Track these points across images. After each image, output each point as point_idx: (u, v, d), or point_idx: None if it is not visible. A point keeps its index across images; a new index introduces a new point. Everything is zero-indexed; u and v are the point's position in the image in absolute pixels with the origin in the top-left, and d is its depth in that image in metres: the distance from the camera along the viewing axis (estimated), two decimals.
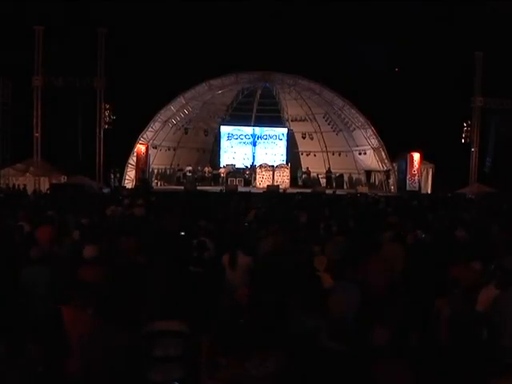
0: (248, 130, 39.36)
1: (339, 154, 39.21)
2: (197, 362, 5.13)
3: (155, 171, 37.48)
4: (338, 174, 38.16)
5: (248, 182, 35.93)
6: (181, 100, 35.16)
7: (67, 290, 6.62)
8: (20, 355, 4.83)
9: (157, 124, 35.14)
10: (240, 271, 8.18)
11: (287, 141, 39.46)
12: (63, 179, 31.97)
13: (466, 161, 34.64)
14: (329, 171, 38.49)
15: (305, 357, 4.96)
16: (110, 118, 32.85)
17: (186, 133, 37.39)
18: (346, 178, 38.53)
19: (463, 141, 34.64)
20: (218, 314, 5.86)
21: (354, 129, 36.73)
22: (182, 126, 36.81)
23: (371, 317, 6.02)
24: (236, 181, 35.51)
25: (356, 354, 5.12)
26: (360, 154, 38.14)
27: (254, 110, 40.50)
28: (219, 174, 37.35)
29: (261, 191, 30.87)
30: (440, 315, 6.37)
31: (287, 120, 40.65)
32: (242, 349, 4.70)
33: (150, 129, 34.76)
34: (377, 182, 37.47)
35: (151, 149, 35.54)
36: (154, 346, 5.15)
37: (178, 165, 37.96)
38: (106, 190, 29.45)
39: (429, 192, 34.94)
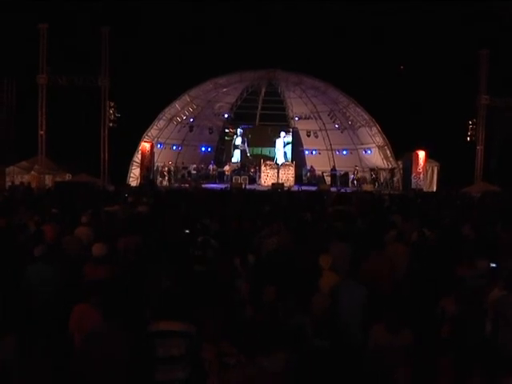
0: None
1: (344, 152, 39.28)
2: (201, 363, 5.12)
3: (160, 169, 37.44)
4: (342, 172, 38.11)
5: (253, 180, 35.94)
6: (185, 98, 35.16)
7: (79, 288, 6.65)
8: (26, 352, 4.84)
9: (161, 122, 35.15)
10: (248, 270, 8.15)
11: (292, 138, 39.42)
12: (68, 177, 32.03)
13: (471, 159, 34.56)
14: (333, 169, 38.48)
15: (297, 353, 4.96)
16: (114, 115, 32.90)
17: (191, 131, 37.38)
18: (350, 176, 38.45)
19: (468, 139, 34.55)
20: (227, 312, 5.84)
21: (359, 127, 36.66)
22: (187, 123, 36.81)
23: (373, 316, 6.03)
24: (241, 179, 35.54)
25: (341, 350, 5.12)
26: (365, 151, 38.12)
27: (259, 108, 40.50)
28: (224, 172, 37.38)
29: (265, 189, 30.91)
30: (445, 314, 6.36)
31: (292, 118, 40.62)
32: (254, 344, 4.69)
33: (154, 127, 34.77)
34: (382, 180, 37.37)
35: (156, 146, 35.55)
36: (156, 346, 5.14)
37: (183, 163, 37.95)
38: (110, 188, 29.46)
39: (434, 190, 34.87)
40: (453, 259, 8.28)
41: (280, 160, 37.85)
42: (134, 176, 34.50)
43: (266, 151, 39.43)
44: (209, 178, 36.96)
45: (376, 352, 5.46)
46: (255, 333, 4.77)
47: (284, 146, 38.77)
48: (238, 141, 38.69)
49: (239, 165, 38.13)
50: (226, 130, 39.40)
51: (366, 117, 35.43)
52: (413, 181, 34.45)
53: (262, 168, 35.74)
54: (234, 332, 4.98)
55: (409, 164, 35.03)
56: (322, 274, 7.48)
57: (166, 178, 36.12)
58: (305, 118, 39.33)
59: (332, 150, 40.08)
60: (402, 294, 7.16)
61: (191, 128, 37.23)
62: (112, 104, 32.82)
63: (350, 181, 37.29)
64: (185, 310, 5.47)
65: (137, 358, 4.98)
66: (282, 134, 38.76)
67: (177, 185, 34.90)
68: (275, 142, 38.91)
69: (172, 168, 36.82)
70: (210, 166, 38.09)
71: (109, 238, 9.45)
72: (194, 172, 37.37)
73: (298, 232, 10.71)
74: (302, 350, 5.09)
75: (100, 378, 4.89)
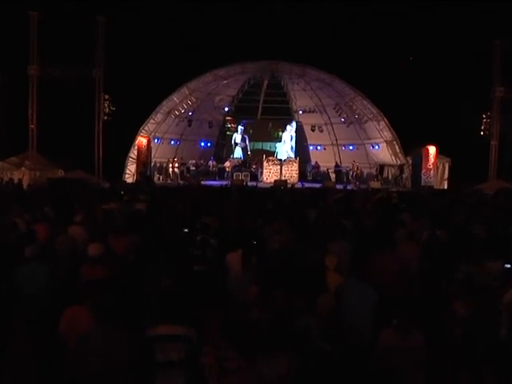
0: None
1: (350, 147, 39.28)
2: (200, 368, 5.14)
3: (157, 165, 37.46)
4: (348, 169, 38.08)
5: (255, 177, 35.95)
6: (184, 90, 35.16)
7: (74, 289, 6.68)
8: (17, 356, 4.87)
9: (159, 115, 35.17)
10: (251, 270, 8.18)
11: (296, 133, 39.37)
12: (60, 174, 32.03)
13: (485, 155, 34.47)
14: (337, 166, 38.46)
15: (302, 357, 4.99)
16: (109, 109, 32.92)
17: (190, 125, 37.36)
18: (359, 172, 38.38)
19: (482, 133, 34.46)
20: (228, 313, 5.88)
21: (366, 121, 36.63)
22: (186, 117, 36.79)
23: (382, 317, 6.05)
24: (242, 175, 35.56)
25: (345, 354, 5.16)
26: (372, 147, 38.09)
27: (261, 101, 40.50)
28: (224, 169, 37.39)
29: (268, 186, 30.90)
30: (456, 315, 6.38)
31: (295, 112, 40.59)
32: (254, 347, 4.72)
33: (151, 120, 34.79)
34: (390, 177, 37.34)
35: (153, 141, 35.56)
36: (155, 351, 5.16)
37: (182, 158, 37.95)
38: (105, 185, 29.47)
39: (445, 188, 34.83)
40: (463, 259, 8.29)
41: (284, 155, 37.84)
42: (130, 172, 34.53)
43: (266, 146, 39.50)
44: (208, 174, 37.00)
45: (385, 354, 5.49)
46: (256, 334, 4.80)
47: (291, 140, 38.80)
48: (238, 138, 38.71)
49: (240, 161, 38.13)
50: (228, 125, 39.41)
51: (373, 110, 35.40)
52: (423, 177, 34.38)
53: (265, 164, 35.71)
54: (235, 333, 5.01)
55: (419, 160, 34.97)
56: (327, 275, 7.51)
57: (171, 176, 36.12)
58: (309, 112, 39.28)
59: (338, 145, 40.07)
60: (412, 294, 7.18)
61: (190, 122, 37.20)
62: (107, 97, 32.85)
63: (351, 177, 37.12)
64: (185, 311, 5.50)
65: (136, 363, 5.00)
66: (289, 127, 38.80)
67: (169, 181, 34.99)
68: (281, 136, 38.88)
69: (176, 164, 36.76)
70: (210, 161, 38.10)
71: (105, 237, 9.50)
72: (193, 168, 37.36)
73: (301, 230, 10.75)
74: (306, 352, 5.11)
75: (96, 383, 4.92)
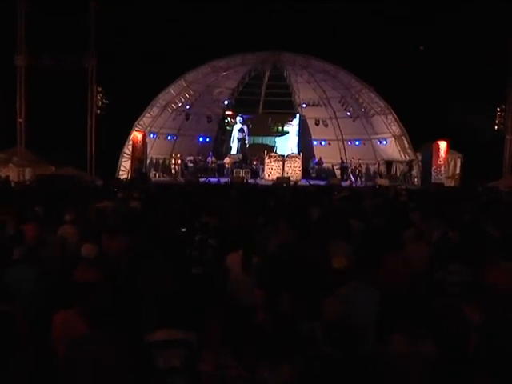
0: None
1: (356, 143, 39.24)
2: (199, 375, 5.13)
3: (153, 161, 37.45)
4: (349, 165, 37.99)
5: (256, 174, 35.94)
6: (181, 82, 35.11)
7: (65, 292, 6.66)
8: (18, 356, 4.87)
9: (155, 109, 35.12)
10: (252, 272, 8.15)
11: (299, 128, 39.38)
12: (51, 170, 31.96)
13: (499, 150, 34.38)
14: (342, 162, 38.42)
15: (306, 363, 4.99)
16: (102, 102, 32.91)
17: (187, 119, 37.32)
18: (363, 169, 38.34)
19: (496, 128, 34.37)
20: (228, 317, 5.86)
21: (374, 114, 36.56)
22: (183, 111, 36.75)
23: (389, 322, 6.03)
24: (242, 172, 35.53)
25: (348, 358, 5.13)
26: (380, 142, 38.05)
27: (263, 94, 40.46)
28: (224, 165, 37.37)
29: (269, 183, 30.90)
30: (469, 322, 6.35)
31: (299, 105, 40.57)
32: (256, 352, 4.70)
33: (147, 114, 34.74)
34: (398, 174, 37.30)
35: (148, 136, 35.53)
36: (155, 357, 5.15)
37: (180, 155, 37.96)
38: (99, 183, 29.45)
39: (457, 185, 34.79)
40: (477, 261, 8.26)
41: (288, 150, 37.85)
42: (125, 169, 34.50)
43: (266, 140, 39.53)
44: (207, 171, 36.99)
45: (392, 359, 5.47)
46: (258, 338, 4.78)
47: (296, 135, 38.89)
48: (237, 130, 38.80)
49: (240, 157, 38.13)
50: (227, 120, 39.41)
51: (381, 104, 35.35)
52: (433, 174, 34.39)
53: (266, 160, 35.74)
54: (236, 338, 4.99)
55: (428, 156, 34.97)
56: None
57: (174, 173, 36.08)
58: (313, 105, 39.26)
59: (343, 140, 40.04)
60: (416, 297, 7.17)
61: (188, 116, 37.18)
62: (100, 89, 32.84)
63: (351, 174, 36.99)
64: (183, 314, 5.48)
65: (134, 366, 4.98)
66: (295, 121, 38.86)
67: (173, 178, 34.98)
68: (281, 130, 38.92)
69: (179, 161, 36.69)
70: (209, 158, 38.14)
71: (98, 236, 9.48)
72: (191, 165, 37.36)
73: (302, 230, 10.73)
74: (309, 356, 5.11)
75: None
